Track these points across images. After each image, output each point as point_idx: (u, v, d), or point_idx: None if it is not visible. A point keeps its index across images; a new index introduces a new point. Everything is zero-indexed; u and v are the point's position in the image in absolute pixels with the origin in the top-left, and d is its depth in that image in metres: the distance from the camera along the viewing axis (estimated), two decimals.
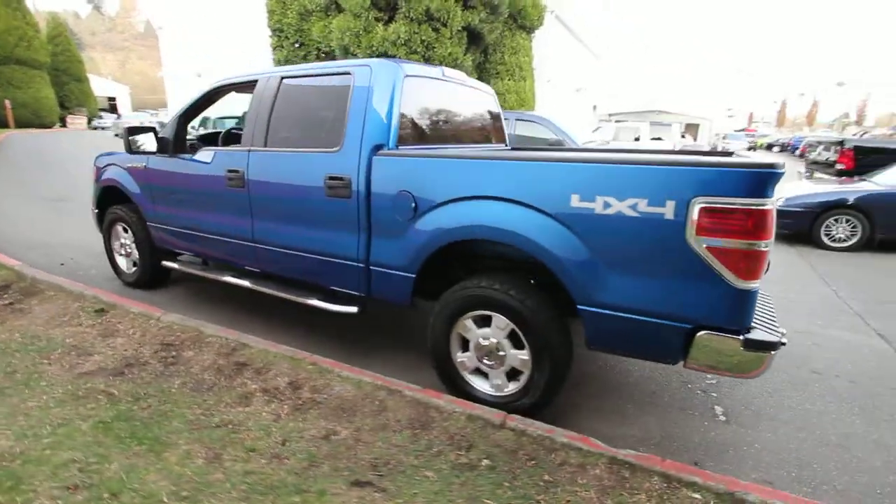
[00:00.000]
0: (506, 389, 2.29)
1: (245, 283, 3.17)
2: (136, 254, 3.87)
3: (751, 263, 1.67)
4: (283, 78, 2.88)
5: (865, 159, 7.33)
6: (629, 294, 1.86)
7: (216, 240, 3.22)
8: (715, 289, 1.71)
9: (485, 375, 2.35)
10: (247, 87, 3.10)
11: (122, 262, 4.06)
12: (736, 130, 46.67)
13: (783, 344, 1.75)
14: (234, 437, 2.03)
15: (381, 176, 2.40)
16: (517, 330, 2.16)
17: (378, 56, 10.72)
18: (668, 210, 1.73)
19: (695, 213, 1.69)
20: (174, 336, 2.96)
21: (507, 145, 3.66)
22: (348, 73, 2.60)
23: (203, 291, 4.06)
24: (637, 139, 14.51)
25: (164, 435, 2.02)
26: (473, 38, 11.72)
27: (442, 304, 2.35)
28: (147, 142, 3.29)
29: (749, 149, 28.82)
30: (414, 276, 2.40)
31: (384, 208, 2.41)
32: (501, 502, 1.70)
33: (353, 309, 2.71)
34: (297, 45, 13.40)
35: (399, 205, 2.35)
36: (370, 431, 2.09)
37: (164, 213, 3.49)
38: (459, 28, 10.94)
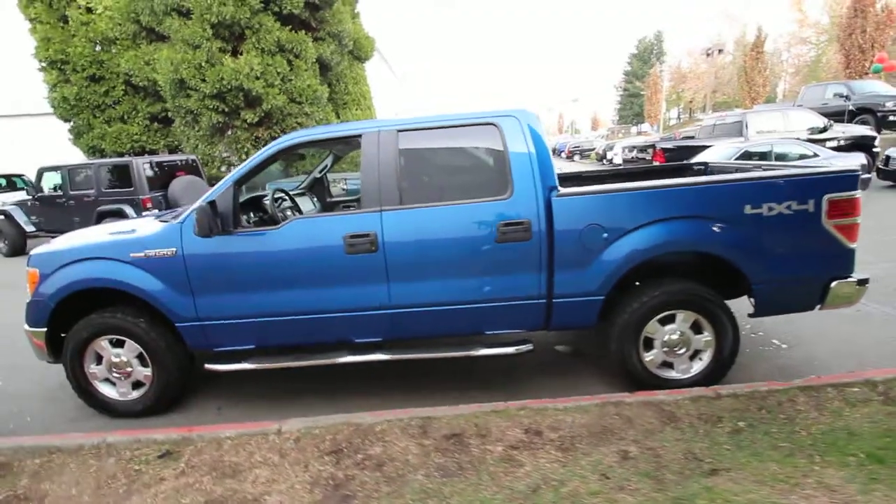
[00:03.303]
0: (692, 371, 2.80)
1: (378, 356, 2.84)
2: (142, 371, 2.93)
3: (854, 232, 2.60)
4: (399, 131, 2.75)
5: (672, 155, 10.37)
6: (788, 267, 2.62)
7: (320, 318, 2.79)
8: (839, 252, 2.59)
9: (671, 365, 2.82)
10: (336, 142, 2.81)
11: (108, 390, 2.99)
12: None
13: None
14: (563, 491, 2.01)
15: (565, 214, 2.61)
16: (701, 318, 2.70)
17: (229, 90, 9.67)
18: (811, 205, 2.54)
19: (826, 205, 2.54)
20: (328, 440, 2.49)
21: None
22: (491, 125, 2.71)
23: (220, 387, 3.32)
24: None
25: None
26: (323, 69, 11.56)
27: (629, 311, 2.70)
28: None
29: None
30: (603, 297, 2.70)
31: (569, 242, 2.63)
32: (786, 447, 2.21)
33: (529, 346, 2.81)
34: (91, 80, 10.80)
35: (588, 237, 2.61)
36: (648, 438, 2.33)
37: (226, 303, 2.80)
38: (314, 60, 10.67)
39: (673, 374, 2.80)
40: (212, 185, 10.43)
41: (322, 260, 2.70)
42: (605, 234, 2.60)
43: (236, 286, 2.76)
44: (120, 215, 8.10)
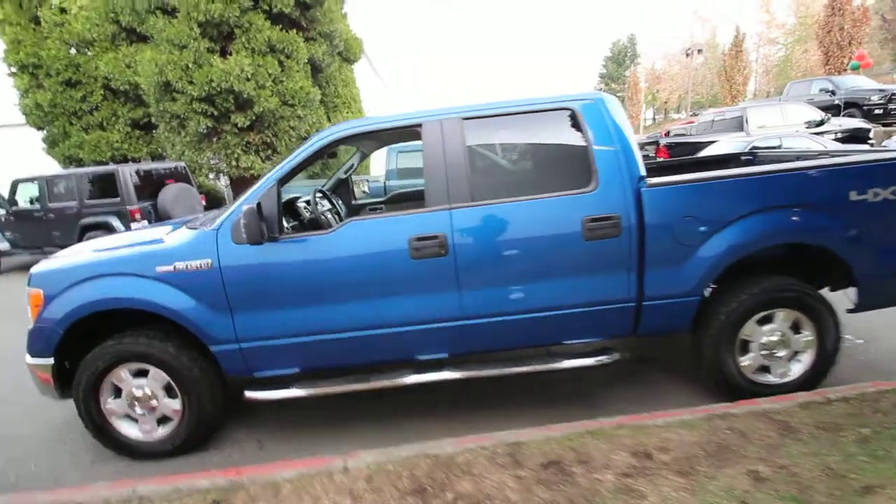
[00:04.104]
0: (791, 375, 2.56)
1: (448, 374, 2.51)
2: (169, 405, 2.53)
3: None
4: (464, 119, 2.44)
5: (675, 151, 10.31)
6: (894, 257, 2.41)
7: (380, 334, 2.45)
8: None
9: (767, 369, 2.57)
10: (389, 134, 2.49)
11: (130, 428, 2.58)
12: None
13: None
14: None
15: (657, 206, 2.34)
16: (801, 316, 2.47)
17: (218, 93, 9.19)
18: None
19: None
20: (406, 477, 2.15)
21: None
22: (568, 110, 2.43)
23: (255, 417, 2.94)
24: None
25: None
26: (314, 71, 11.16)
27: (724, 312, 2.45)
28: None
29: None
30: (699, 298, 2.44)
31: (662, 238, 2.37)
32: None
33: (616, 356, 2.53)
34: (66, 85, 10.13)
35: (683, 231, 2.35)
36: (773, 455, 2.07)
37: (270, 321, 2.43)
38: (305, 60, 10.26)
39: (770, 379, 2.56)
40: (202, 194, 9.95)
41: (383, 267, 2.36)
42: (703, 228, 2.35)
43: (283, 301, 2.40)
44: (106, 228, 7.52)
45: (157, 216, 7.84)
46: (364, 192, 6.63)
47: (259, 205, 2.24)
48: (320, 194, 3.25)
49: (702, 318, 2.51)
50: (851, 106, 11.98)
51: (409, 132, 2.47)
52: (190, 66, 8.85)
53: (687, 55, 32.32)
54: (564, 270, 2.38)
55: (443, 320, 2.43)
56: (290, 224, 2.85)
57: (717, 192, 2.37)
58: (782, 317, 2.47)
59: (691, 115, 19.36)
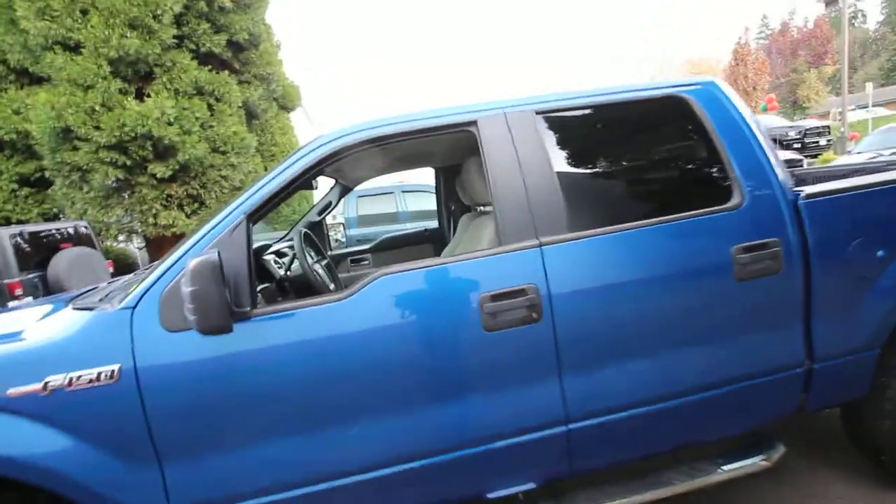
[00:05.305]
0: None
1: None
2: None
3: None
4: (538, 114, 1.65)
5: None
6: None
7: (431, 465, 1.46)
8: None
9: None
10: (423, 137, 1.63)
11: None
12: None
13: None
14: None
15: (823, 226, 1.65)
16: None
17: (130, 140, 7.87)
18: None
19: None
20: None
21: None
22: (677, 99, 1.72)
23: None
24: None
25: None
26: (249, 116, 10.11)
27: None
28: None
29: None
30: (879, 351, 1.72)
31: (832, 269, 1.66)
32: None
33: (782, 449, 1.71)
34: None
35: (858, 258, 1.66)
36: None
37: (242, 469, 1.36)
38: (239, 104, 9.23)
39: None
40: (108, 259, 8.24)
41: (440, 348, 1.42)
42: (881, 252, 1.66)
43: (263, 428, 1.34)
44: None
45: (47, 289, 6.15)
46: (338, 240, 5.56)
47: (219, 256, 1.23)
48: (306, 239, 2.22)
49: (878, 378, 1.78)
50: (772, 141, 13.06)
51: (454, 133, 1.61)
52: (97, 108, 7.47)
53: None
54: (712, 328, 1.59)
55: (535, 428, 1.49)
56: (260, 287, 1.82)
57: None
58: None
59: None
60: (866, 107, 20.53)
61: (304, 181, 1.55)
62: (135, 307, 1.35)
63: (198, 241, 1.39)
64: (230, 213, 1.42)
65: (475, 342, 1.44)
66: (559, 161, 1.64)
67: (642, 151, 1.83)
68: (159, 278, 1.34)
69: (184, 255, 1.35)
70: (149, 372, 1.31)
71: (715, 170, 1.69)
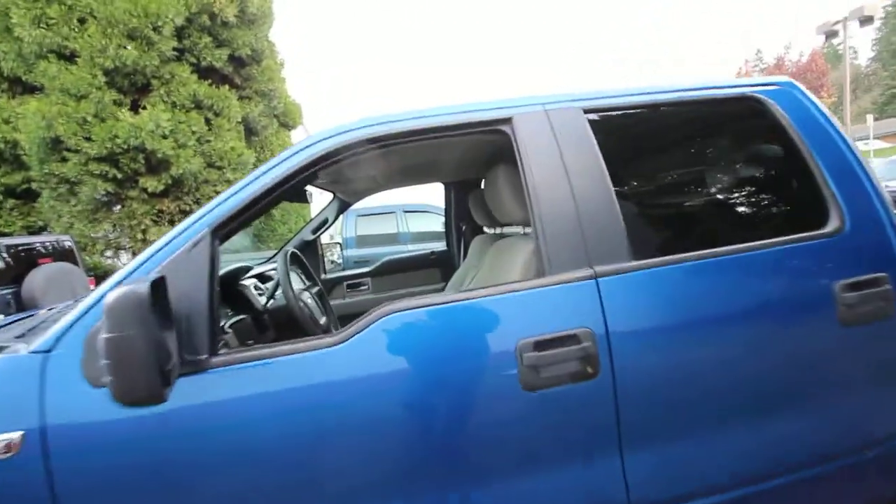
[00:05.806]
0: None
1: None
2: None
3: None
4: (586, 112, 1.33)
5: None
6: None
7: None
8: None
9: None
10: (445, 136, 1.31)
11: None
12: None
13: None
14: None
15: None
16: None
17: (122, 152, 7.61)
18: None
19: None
20: None
21: None
22: (752, 100, 1.41)
23: None
24: None
25: None
26: (249, 133, 9.90)
27: None
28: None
29: None
30: None
31: None
32: None
33: None
34: None
35: None
36: None
37: None
38: (238, 120, 9.02)
39: None
40: (92, 275, 7.87)
41: (464, 415, 1.06)
42: None
43: None
44: None
45: (20, 306, 5.73)
46: (333, 262, 5.18)
47: (162, 282, 0.87)
48: (293, 261, 1.86)
49: None
50: None
51: (479, 134, 1.29)
52: (89, 119, 7.21)
53: None
54: (812, 385, 1.22)
55: None
56: (230, 321, 1.45)
57: None
58: None
59: None
60: (866, 139, 20.64)
61: (291, 188, 1.21)
62: (50, 351, 0.99)
63: (142, 264, 1.04)
64: (189, 227, 1.07)
65: (511, 406, 1.07)
66: (614, 171, 1.32)
67: (713, 162, 1.50)
68: (84, 313, 0.99)
69: (120, 282, 1.00)
70: (61, 442, 0.94)
71: (804, 186, 1.38)
